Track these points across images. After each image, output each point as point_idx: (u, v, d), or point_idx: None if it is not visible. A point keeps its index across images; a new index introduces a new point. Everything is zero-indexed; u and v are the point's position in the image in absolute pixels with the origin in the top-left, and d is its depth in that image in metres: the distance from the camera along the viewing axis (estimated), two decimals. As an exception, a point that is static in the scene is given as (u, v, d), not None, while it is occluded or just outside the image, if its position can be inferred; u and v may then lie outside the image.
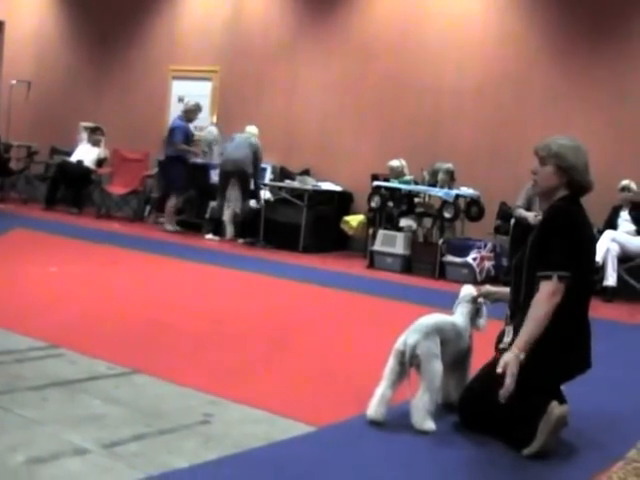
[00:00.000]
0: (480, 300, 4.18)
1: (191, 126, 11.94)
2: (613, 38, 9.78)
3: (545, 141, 3.92)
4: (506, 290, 4.24)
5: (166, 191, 11.99)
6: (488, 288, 4.31)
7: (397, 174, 10.32)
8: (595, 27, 9.88)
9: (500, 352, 3.85)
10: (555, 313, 3.62)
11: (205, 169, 11.85)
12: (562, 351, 3.70)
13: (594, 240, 3.94)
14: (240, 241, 11.11)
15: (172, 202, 11.72)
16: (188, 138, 11.83)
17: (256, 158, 11.11)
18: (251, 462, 3.23)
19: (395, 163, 10.42)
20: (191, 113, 11.86)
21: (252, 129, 11.40)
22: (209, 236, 11.28)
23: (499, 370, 3.50)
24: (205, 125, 12.30)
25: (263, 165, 12.08)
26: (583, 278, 3.79)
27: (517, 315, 3.83)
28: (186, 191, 11.96)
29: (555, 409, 3.51)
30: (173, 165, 11.71)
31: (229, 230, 11.25)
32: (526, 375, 3.65)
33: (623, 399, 4.78)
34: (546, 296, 3.63)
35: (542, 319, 3.60)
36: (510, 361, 3.50)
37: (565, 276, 3.65)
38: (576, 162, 3.84)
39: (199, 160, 11.96)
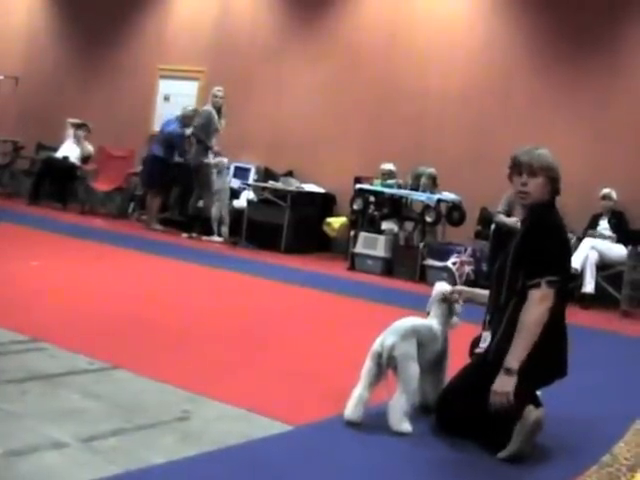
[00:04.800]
0: (450, 295, 4.16)
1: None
2: (597, 48, 9.86)
3: (527, 152, 3.85)
4: (478, 291, 4.29)
5: (149, 189, 11.93)
6: (461, 288, 4.35)
7: (390, 178, 10.33)
8: (580, 36, 9.97)
9: (475, 356, 3.92)
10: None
11: (188, 167, 11.77)
12: (542, 356, 3.63)
13: (569, 243, 3.99)
14: (217, 239, 11.08)
15: (156, 201, 11.72)
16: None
17: None
18: (228, 459, 3.26)
19: (392, 167, 10.42)
20: (189, 119, 11.57)
21: None
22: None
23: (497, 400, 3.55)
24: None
25: (247, 165, 12.11)
26: (566, 282, 3.81)
27: (496, 318, 3.83)
28: (167, 190, 11.96)
29: (532, 413, 3.54)
30: (155, 164, 11.62)
31: (218, 231, 11.22)
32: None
33: (598, 405, 4.82)
34: (534, 302, 3.60)
35: (532, 326, 3.57)
36: (509, 388, 3.55)
37: (554, 280, 3.62)
38: (559, 172, 3.87)
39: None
